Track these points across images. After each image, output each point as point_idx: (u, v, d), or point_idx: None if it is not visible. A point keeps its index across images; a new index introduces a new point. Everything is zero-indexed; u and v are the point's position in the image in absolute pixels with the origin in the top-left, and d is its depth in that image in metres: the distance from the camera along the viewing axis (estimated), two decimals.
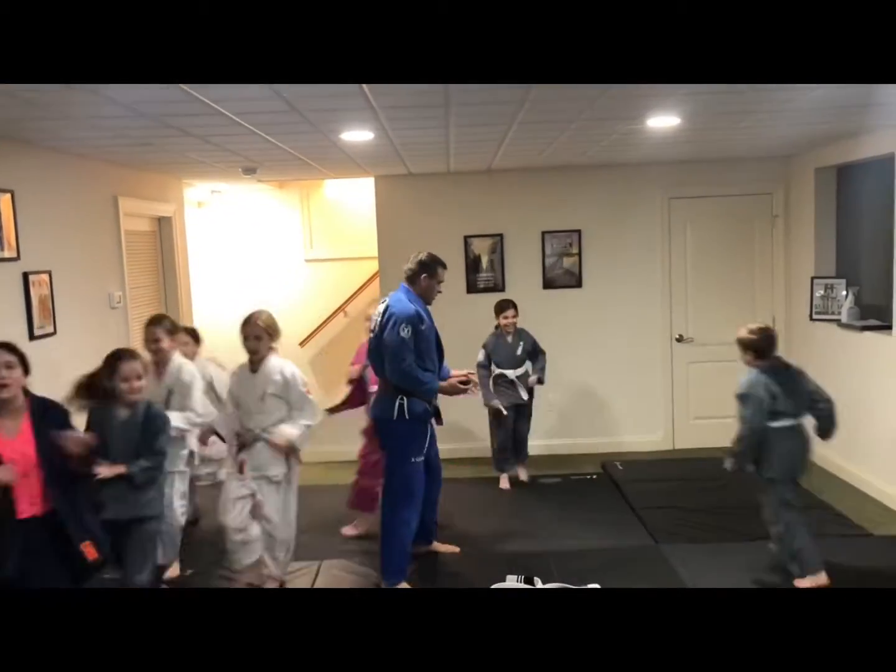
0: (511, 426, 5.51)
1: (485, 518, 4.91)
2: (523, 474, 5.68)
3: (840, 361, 5.53)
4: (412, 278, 4.03)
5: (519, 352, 5.44)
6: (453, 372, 4.18)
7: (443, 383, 4.02)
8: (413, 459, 3.93)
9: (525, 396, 5.49)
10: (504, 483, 5.57)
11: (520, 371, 5.45)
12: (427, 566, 4.22)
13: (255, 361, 3.79)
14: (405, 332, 3.79)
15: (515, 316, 5.42)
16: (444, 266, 4.11)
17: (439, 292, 4.16)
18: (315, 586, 4.06)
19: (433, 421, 4.13)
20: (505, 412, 5.37)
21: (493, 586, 3.84)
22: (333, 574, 4.21)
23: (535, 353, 5.49)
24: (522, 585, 3.87)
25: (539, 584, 3.84)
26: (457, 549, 4.38)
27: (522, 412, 5.58)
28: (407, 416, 3.89)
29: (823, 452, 5.83)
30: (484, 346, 5.44)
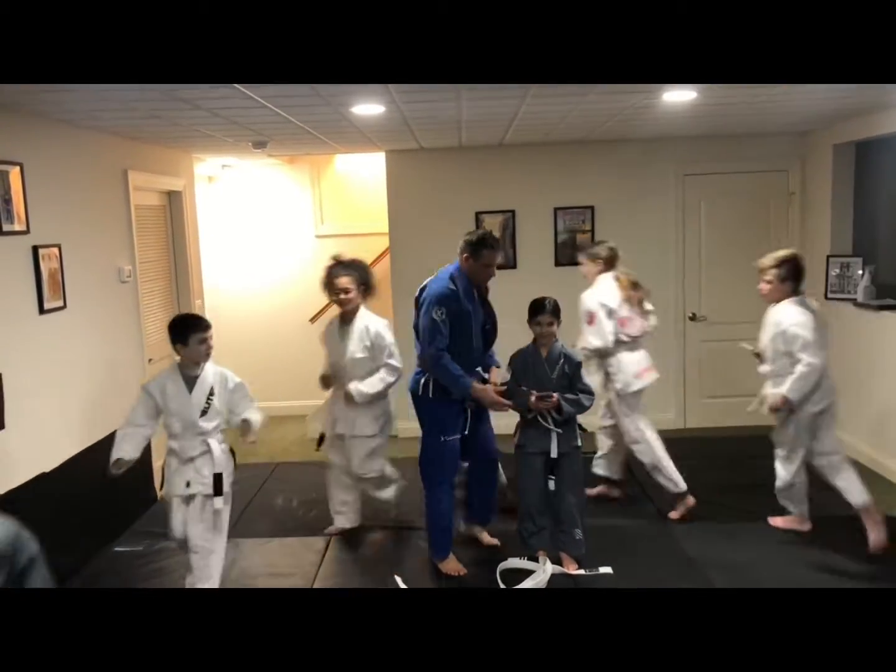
0: (542, 481, 3.82)
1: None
2: (570, 565, 3.86)
3: (855, 341, 5.47)
4: (460, 256, 3.81)
5: (555, 375, 3.79)
6: (493, 378, 3.92)
7: (479, 386, 3.73)
8: (443, 438, 3.82)
9: (554, 446, 3.77)
10: (543, 562, 3.82)
11: None
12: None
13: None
14: (438, 315, 3.64)
15: (552, 324, 3.81)
16: (490, 247, 3.74)
17: (491, 276, 3.84)
18: (325, 557, 4.14)
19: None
20: (534, 398, 3.73)
21: (500, 566, 3.86)
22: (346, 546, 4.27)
23: (574, 383, 3.81)
24: (527, 564, 3.86)
25: (544, 563, 3.82)
26: (497, 543, 4.15)
27: (559, 463, 3.80)
28: (431, 395, 3.80)
29: (837, 433, 5.79)
30: (510, 362, 3.92)
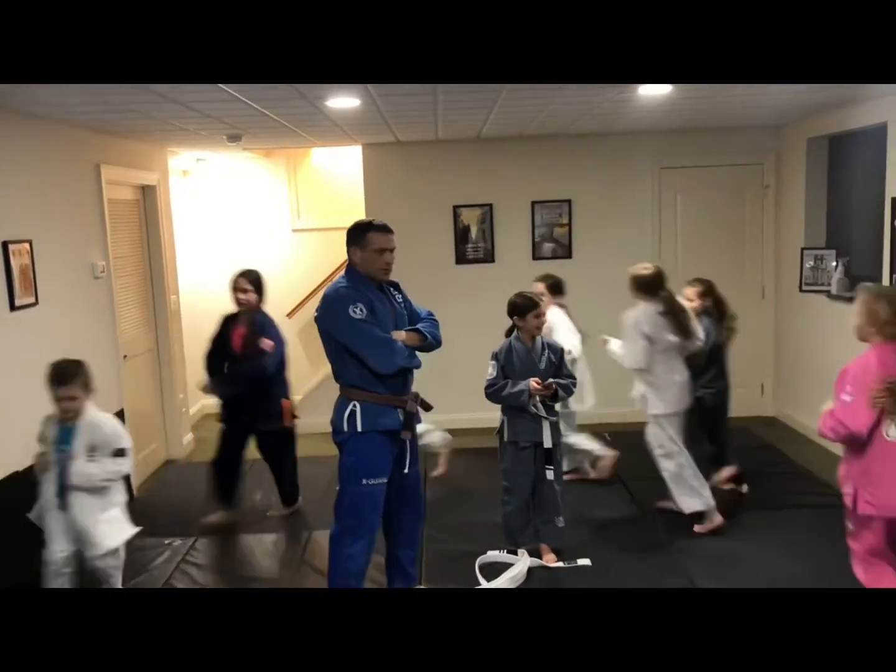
0: (533, 474, 3.83)
1: (472, 489, 4.90)
2: (549, 557, 3.90)
3: (829, 332, 5.52)
4: (348, 255, 3.20)
5: (542, 365, 3.81)
6: None
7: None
8: (364, 481, 3.16)
9: (548, 436, 3.78)
10: (522, 555, 3.87)
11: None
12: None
13: None
14: (357, 313, 3.05)
15: (543, 315, 3.89)
16: (377, 228, 3.15)
17: (389, 263, 3.17)
18: (304, 556, 4.11)
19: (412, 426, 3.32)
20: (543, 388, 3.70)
21: (479, 560, 3.86)
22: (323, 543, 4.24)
23: (560, 370, 3.85)
24: (506, 557, 3.87)
25: (523, 556, 3.83)
26: None
27: (553, 453, 3.84)
28: (359, 428, 3.15)
29: (811, 424, 5.85)
30: (495, 357, 3.82)
